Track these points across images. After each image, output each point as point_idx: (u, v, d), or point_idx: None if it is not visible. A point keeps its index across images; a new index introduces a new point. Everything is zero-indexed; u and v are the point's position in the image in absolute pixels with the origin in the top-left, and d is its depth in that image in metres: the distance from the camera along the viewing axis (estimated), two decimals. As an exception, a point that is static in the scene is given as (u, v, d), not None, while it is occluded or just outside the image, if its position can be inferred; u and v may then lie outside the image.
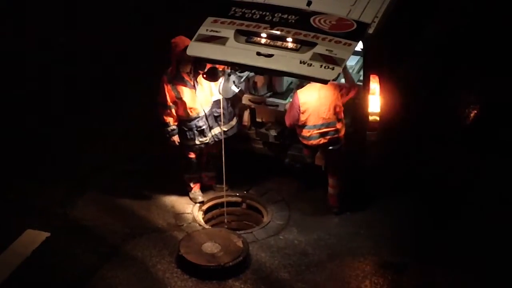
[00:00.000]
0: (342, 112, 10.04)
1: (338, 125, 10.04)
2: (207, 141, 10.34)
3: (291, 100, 10.30)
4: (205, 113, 10.24)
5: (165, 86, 10.07)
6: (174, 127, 10.21)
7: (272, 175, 10.97)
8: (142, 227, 10.29)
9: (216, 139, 10.38)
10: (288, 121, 10.15)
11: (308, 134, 10.04)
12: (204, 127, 10.25)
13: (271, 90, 10.74)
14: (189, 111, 10.17)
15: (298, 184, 10.85)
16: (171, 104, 10.11)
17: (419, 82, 11.33)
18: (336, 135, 10.05)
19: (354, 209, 10.50)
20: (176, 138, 10.25)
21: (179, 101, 10.12)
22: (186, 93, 10.12)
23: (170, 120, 10.18)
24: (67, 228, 10.24)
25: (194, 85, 10.13)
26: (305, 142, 10.13)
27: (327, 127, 9.99)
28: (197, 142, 10.31)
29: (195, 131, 10.25)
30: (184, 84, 10.11)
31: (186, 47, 9.87)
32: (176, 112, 10.19)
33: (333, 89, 9.94)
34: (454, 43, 12.37)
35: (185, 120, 10.23)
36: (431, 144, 11.34)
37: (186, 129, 10.26)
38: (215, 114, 10.30)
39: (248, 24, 9.82)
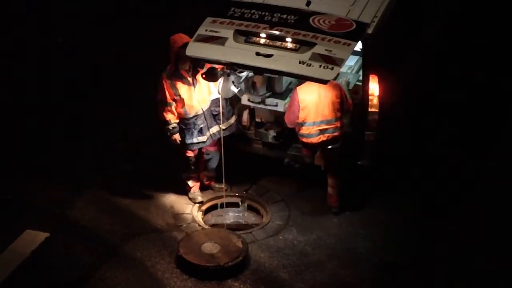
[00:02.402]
0: (341, 111, 10.04)
1: (338, 123, 10.04)
2: (205, 140, 10.33)
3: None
4: (203, 112, 10.23)
5: (164, 83, 10.06)
6: (175, 125, 10.20)
7: (272, 175, 10.97)
8: (141, 227, 10.29)
9: (214, 138, 10.37)
10: (287, 118, 10.15)
11: (307, 132, 10.04)
12: (202, 125, 10.24)
13: (270, 90, 10.73)
14: (187, 109, 10.15)
15: (298, 184, 10.84)
16: (171, 101, 10.10)
17: (418, 82, 11.32)
18: (335, 133, 10.04)
19: (354, 209, 10.49)
20: (177, 137, 10.23)
21: (177, 98, 10.11)
22: (184, 90, 10.10)
23: (170, 117, 10.15)
24: (66, 228, 10.24)
25: (193, 83, 10.13)
26: (304, 140, 10.13)
27: (326, 124, 9.99)
28: (195, 141, 10.30)
29: (193, 130, 10.24)
30: (183, 81, 10.10)
31: (184, 44, 9.87)
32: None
33: (333, 87, 9.94)
34: (453, 42, 12.37)
35: (183, 119, 10.22)
36: (430, 144, 11.33)
37: (184, 127, 10.25)
38: (214, 113, 10.30)
39: (247, 24, 9.83)
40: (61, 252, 9.89)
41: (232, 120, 10.48)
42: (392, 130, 10.58)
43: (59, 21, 14.26)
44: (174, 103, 10.11)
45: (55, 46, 13.65)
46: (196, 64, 10.03)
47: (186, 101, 10.12)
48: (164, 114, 10.14)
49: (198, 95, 10.18)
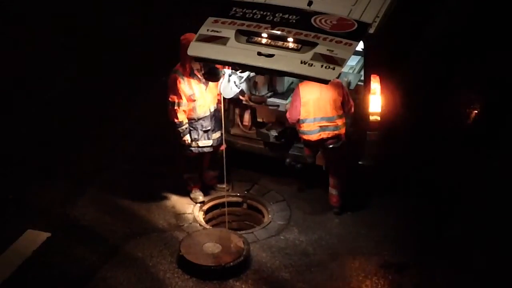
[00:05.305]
0: (343, 109, 10.05)
1: (338, 122, 10.05)
2: (210, 144, 10.33)
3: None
4: (211, 113, 10.24)
5: (179, 83, 10.03)
6: (187, 125, 10.19)
7: (273, 175, 10.96)
8: (143, 227, 10.28)
9: (217, 143, 10.38)
10: (290, 114, 10.14)
11: (308, 128, 10.05)
12: (209, 127, 10.25)
13: (272, 90, 10.75)
14: (198, 108, 10.15)
15: (299, 184, 10.84)
16: (184, 101, 10.08)
17: (419, 82, 11.33)
18: (336, 132, 10.05)
19: (355, 209, 10.50)
20: (188, 137, 10.22)
21: (192, 98, 10.10)
22: (198, 89, 10.10)
23: (183, 118, 10.13)
24: (68, 228, 10.23)
25: (205, 82, 10.12)
26: (305, 137, 10.13)
27: (327, 121, 10.00)
28: (200, 144, 10.29)
29: (200, 131, 10.24)
30: (196, 80, 10.09)
31: None
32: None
33: (335, 84, 9.95)
34: (454, 42, 12.38)
35: (191, 119, 10.21)
36: (431, 144, 11.34)
37: (191, 128, 10.25)
38: (217, 116, 10.29)
39: (249, 24, 9.81)
40: (62, 252, 9.88)
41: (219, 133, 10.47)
42: (393, 130, 10.57)
43: (59, 20, 14.28)
44: (187, 103, 10.10)
45: (56, 46, 13.65)
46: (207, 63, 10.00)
47: (198, 100, 10.12)
48: (179, 115, 10.09)
49: (210, 94, 10.19)
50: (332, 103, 9.99)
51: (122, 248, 9.95)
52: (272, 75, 10.56)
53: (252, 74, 10.49)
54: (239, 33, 9.75)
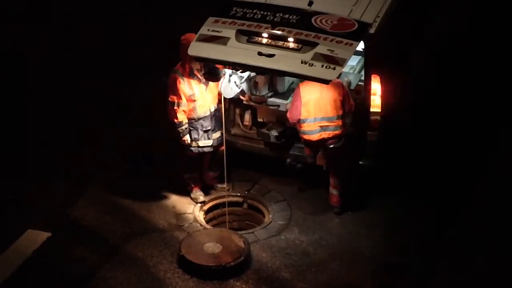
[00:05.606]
0: (343, 109, 10.05)
1: (339, 122, 10.05)
2: (210, 144, 10.33)
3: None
4: (211, 113, 10.24)
5: (178, 83, 10.04)
6: (187, 125, 10.20)
7: (273, 175, 10.96)
8: (143, 227, 10.28)
9: (218, 143, 10.38)
10: (290, 114, 10.15)
11: (309, 128, 10.05)
12: (209, 127, 10.25)
13: (273, 90, 10.75)
14: (198, 108, 10.16)
15: (300, 184, 10.84)
16: (185, 101, 10.09)
17: (420, 82, 11.34)
18: (336, 131, 10.05)
19: (355, 209, 10.51)
20: (188, 137, 10.23)
21: (192, 98, 10.10)
22: (198, 89, 10.11)
23: (183, 118, 10.14)
24: (68, 228, 10.23)
25: (205, 82, 10.12)
26: (306, 137, 10.14)
27: (327, 121, 10.01)
28: (200, 144, 10.30)
29: (200, 131, 10.25)
30: (196, 80, 10.10)
31: None
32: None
33: (336, 84, 9.95)
34: (454, 42, 12.39)
35: (191, 119, 10.21)
36: (431, 144, 11.35)
37: (191, 128, 10.25)
38: (218, 116, 10.29)
39: (250, 24, 9.80)
40: (63, 252, 9.88)
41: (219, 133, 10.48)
42: (394, 130, 10.58)
43: (59, 20, 14.28)
44: (187, 103, 10.10)
45: (56, 46, 13.64)
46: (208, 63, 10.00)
47: (198, 100, 10.12)
48: (178, 115, 10.11)
49: (210, 94, 10.19)
50: (333, 103, 10.00)
51: (122, 248, 9.95)
52: (272, 75, 10.56)
53: (253, 74, 10.49)
54: (240, 33, 9.75)
